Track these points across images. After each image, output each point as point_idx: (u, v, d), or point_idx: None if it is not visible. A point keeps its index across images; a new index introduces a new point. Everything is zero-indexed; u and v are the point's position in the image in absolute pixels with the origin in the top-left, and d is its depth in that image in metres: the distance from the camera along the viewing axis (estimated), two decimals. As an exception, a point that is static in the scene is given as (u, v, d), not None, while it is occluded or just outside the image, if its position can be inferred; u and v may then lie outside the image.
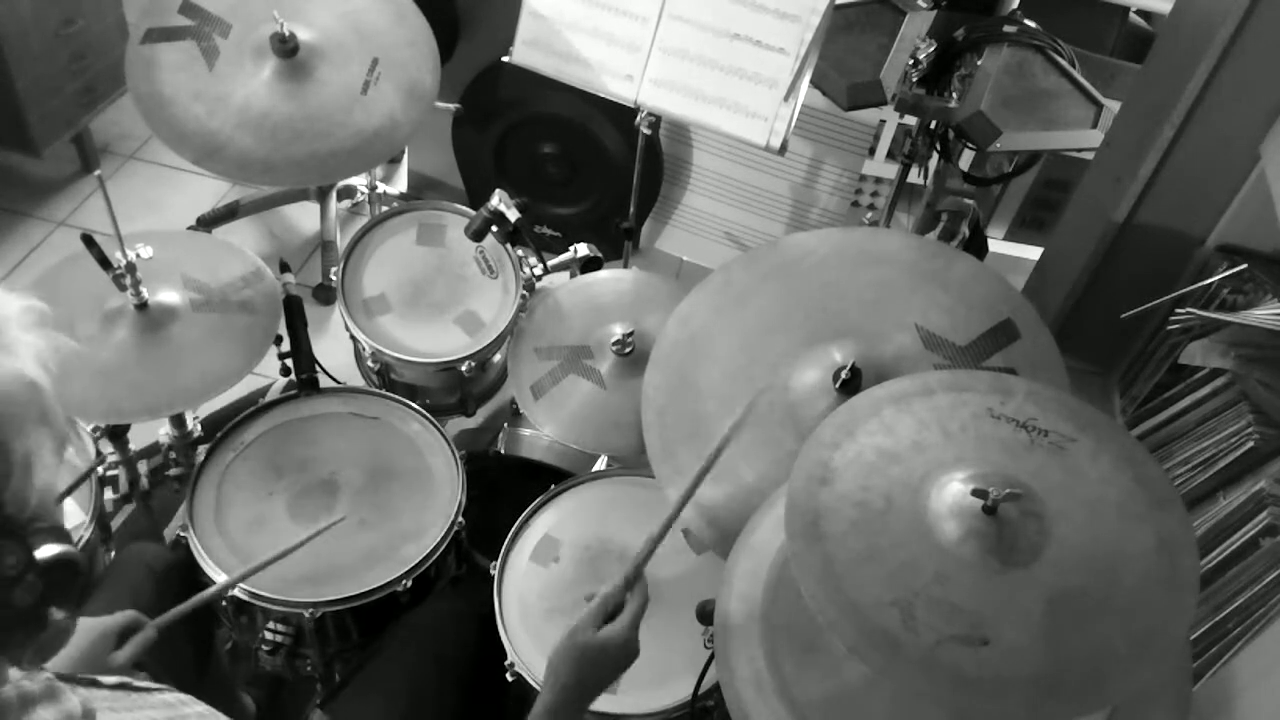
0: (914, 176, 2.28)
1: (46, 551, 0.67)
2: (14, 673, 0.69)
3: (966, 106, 1.97)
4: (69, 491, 0.73)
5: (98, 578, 1.46)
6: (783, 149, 1.78)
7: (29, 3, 2.41)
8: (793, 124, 1.76)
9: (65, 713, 0.69)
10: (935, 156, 2.25)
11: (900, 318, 1.33)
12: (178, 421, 1.73)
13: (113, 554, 1.61)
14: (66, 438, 0.71)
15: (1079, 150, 2.22)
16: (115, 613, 1.14)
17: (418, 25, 1.83)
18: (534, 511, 1.55)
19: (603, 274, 1.78)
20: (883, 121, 2.56)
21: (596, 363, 1.64)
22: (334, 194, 2.73)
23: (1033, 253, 2.59)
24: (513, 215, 1.67)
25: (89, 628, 1.11)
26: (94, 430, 1.59)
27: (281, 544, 1.30)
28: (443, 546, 1.50)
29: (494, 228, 1.68)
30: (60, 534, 0.69)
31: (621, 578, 1.06)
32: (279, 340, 1.65)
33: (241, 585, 1.41)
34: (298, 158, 1.70)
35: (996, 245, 2.75)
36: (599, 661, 1.02)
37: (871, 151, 2.60)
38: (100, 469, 1.57)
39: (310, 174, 1.77)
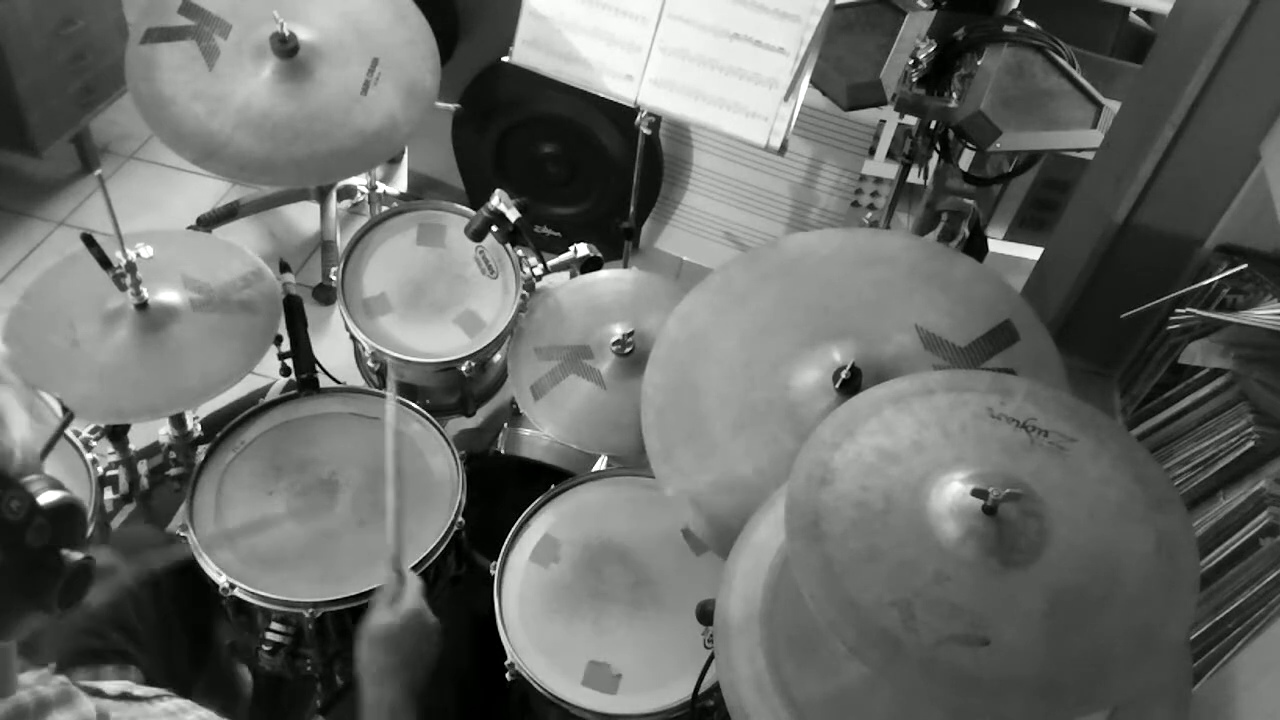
0: (914, 176, 2.28)
1: (48, 497, 0.68)
2: (28, 678, 0.69)
3: (966, 106, 1.97)
4: (49, 447, 0.73)
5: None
6: (783, 149, 1.78)
7: (29, 3, 2.41)
8: (793, 124, 1.76)
9: (81, 715, 0.69)
10: (935, 156, 2.25)
11: (900, 318, 1.33)
12: (178, 421, 1.73)
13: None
14: (30, 398, 0.72)
15: (1079, 150, 2.22)
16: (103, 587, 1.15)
17: (417, 25, 1.82)
18: (534, 511, 1.55)
19: (603, 274, 1.78)
20: (883, 121, 2.56)
21: (596, 363, 1.64)
22: (334, 194, 2.73)
23: (1033, 253, 2.59)
24: (513, 215, 1.67)
25: None
26: (94, 430, 1.59)
27: (282, 544, 1.29)
28: (443, 546, 1.49)
29: (494, 228, 1.68)
30: (55, 483, 0.70)
31: (392, 570, 1.22)
32: (279, 340, 1.65)
33: (241, 585, 1.41)
34: (298, 158, 1.70)
35: (996, 245, 2.75)
36: (398, 636, 1.16)
37: (871, 151, 2.60)
38: (94, 451, 1.57)
39: (310, 174, 1.77)
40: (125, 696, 0.78)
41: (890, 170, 2.55)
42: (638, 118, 1.90)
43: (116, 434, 1.65)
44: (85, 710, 0.70)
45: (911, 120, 2.27)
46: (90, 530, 1.47)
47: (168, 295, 1.56)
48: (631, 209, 2.14)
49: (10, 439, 0.67)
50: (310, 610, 1.41)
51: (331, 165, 1.73)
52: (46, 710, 0.68)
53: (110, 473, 1.64)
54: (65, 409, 1.53)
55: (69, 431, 1.57)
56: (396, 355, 1.73)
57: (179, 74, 1.71)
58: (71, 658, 1.24)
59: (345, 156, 1.73)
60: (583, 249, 1.85)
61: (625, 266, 2.20)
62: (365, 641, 1.16)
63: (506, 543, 1.51)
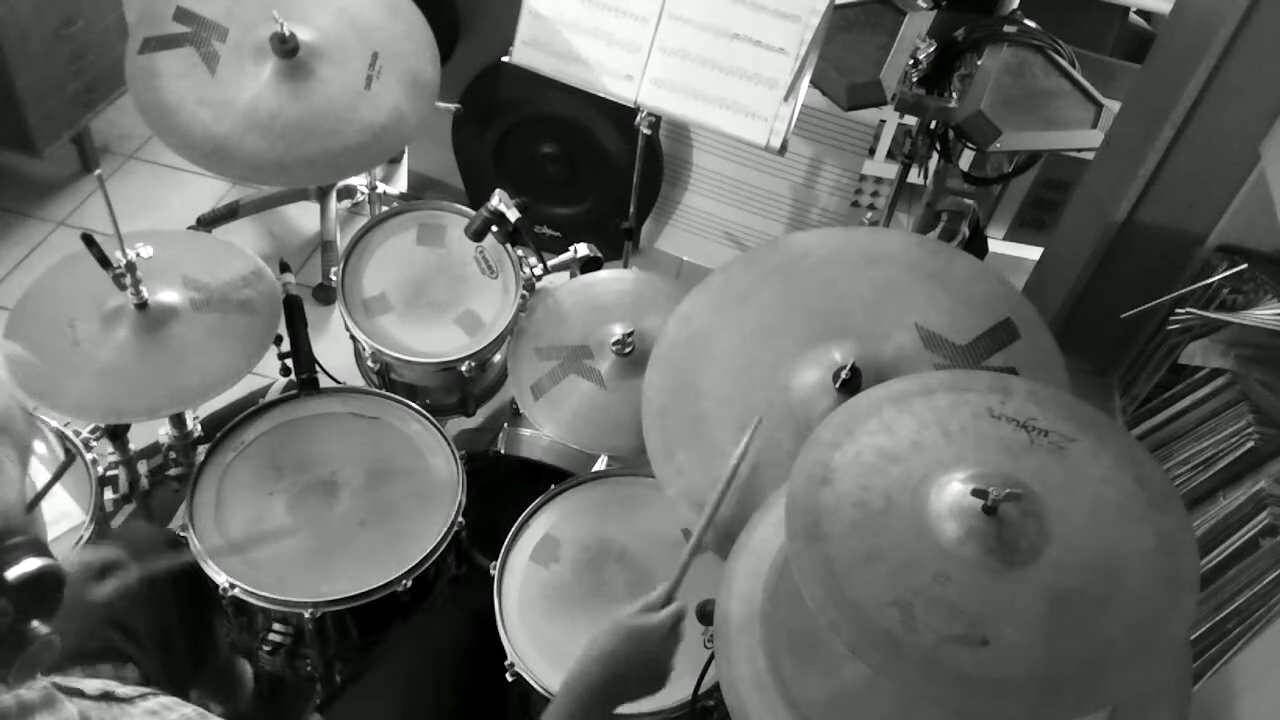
0: (914, 176, 2.28)
1: (23, 569, 0.66)
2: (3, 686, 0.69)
3: (966, 106, 1.97)
4: (40, 497, 0.71)
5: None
6: (783, 149, 1.78)
7: (29, 3, 2.41)
8: (793, 124, 1.76)
9: (62, 719, 0.68)
10: (935, 156, 2.25)
11: (900, 318, 1.33)
12: (178, 421, 1.73)
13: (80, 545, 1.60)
14: (29, 444, 0.70)
15: (1079, 150, 2.22)
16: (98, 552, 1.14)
17: (413, 17, 1.83)
18: (534, 511, 1.55)
19: (603, 274, 1.78)
20: (883, 121, 2.56)
21: (596, 363, 1.64)
22: (334, 194, 2.73)
23: (1033, 253, 2.59)
24: (513, 215, 1.67)
25: (66, 561, 1.10)
26: (94, 430, 1.59)
27: (283, 543, 1.28)
28: (443, 546, 1.49)
29: (494, 228, 1.68)
30: (35, 547, 0.67)
31: (663, 589, 1.14)
32: (279, 340, 1.65)
33: (241, 585, 1.41)
34: (310, 156, 1.71)
35: (996, 245, 2.75)
36: (636, 641, 1.08)
37: (871, 151, 2.60)
38: (94, 451, 1.56)
39: (324, 172, 1.77)
40: (106, 696, 0.77)
41: (890, 170, 2.54)
42: (638, 118, 1.90)
43: (116, 434, 1.65)
44: (67, 713, 0.69)
45: (911, 120, 2.27)
46: (89, 532, 1.47)
47: (167, 295, 1.56)
48: (631, 209, 2.14)
49: None
50: (310, 610, 1.41)
51: (344, 162, 1.73)
52: (28, 713, 0.67)
53: (110, 473, 1.64)
54: (67, 450, 1.53)
55: (69, 431, 1.57)
56: (396, 355, 1.73)
57: (181, 81, 1.71)
58: (68, 657, 1.24)
59: (357, 152, 1.73)
60: (583, 249, 1.85)
61: (625, 266, 2.20)
62: (607, 626, 1.08)
63: (506, 543, 1.51)
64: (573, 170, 2.66)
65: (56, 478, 1.42)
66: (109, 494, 1.64)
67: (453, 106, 2.54)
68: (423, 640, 1.46)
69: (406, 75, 1.78)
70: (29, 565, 0.66)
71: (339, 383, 1.80)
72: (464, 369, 1.74)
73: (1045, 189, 2.70)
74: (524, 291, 1.77)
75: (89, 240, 1.44)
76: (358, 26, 1.80)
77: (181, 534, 1.47)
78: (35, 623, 0.68)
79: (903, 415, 1.07)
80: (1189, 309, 1.72)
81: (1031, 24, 2.12)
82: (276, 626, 1.49)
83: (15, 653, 0.68)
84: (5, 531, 0.66)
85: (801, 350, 1.32)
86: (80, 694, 0.75)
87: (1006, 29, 2.10)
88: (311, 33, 1.76)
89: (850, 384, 1.24)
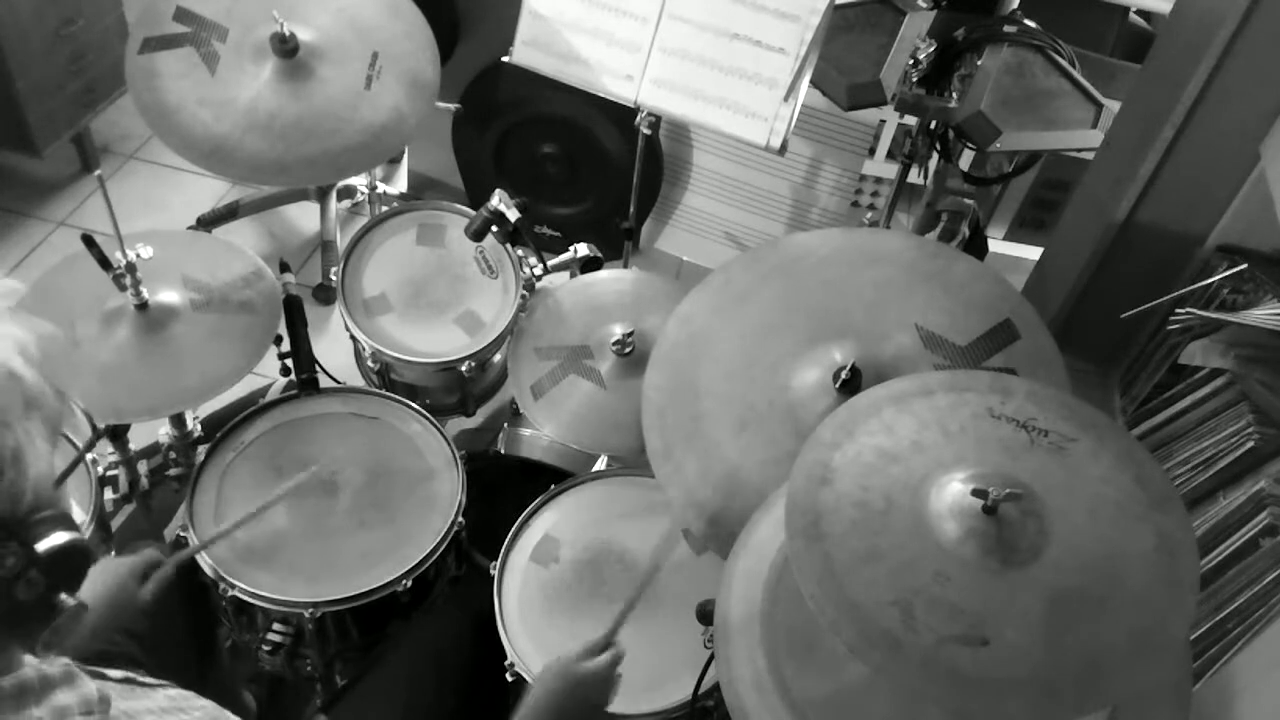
0: (914, 176, 2.28)
1: (52, 541, 0.67)
2: (31, 657, 0.70)
3: (966, 106, 1.97)
4: (67, 474, 0.72)
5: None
6: (783, 149, 1.78)
7: (29, 3, 2.41)
8: (793, 124, 1.76)
9: (83, 696, 0.70)
10: (935, 156, 2.25)
11: (900, 318, 1.33)
12: (178, 421, 1.73)
13: (113, 554, 1.61)
14: (59, 420, 0.71)
15: (1079, 150, 2.22)
16: (136, 557, 1.22)
17: (412, 17, 1.83)
18: (534, 511, 1.55)
19: (603, 274, 1.78)
20: (883, 121, 2.56)
21: (596, 363, 1.64)
22: (334, 194, 2.73)
23: (1033, 253, 2.59)
24: (513, 215, 1.67)
25: (114, 567, 1.18)
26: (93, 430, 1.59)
27: (283, 544, 1.29)
28: (443, 546, 1.50)
29: (494, 228, 1.68)
30: (64, 521, 0.69)
31: (603, 636, 1.20)
32: (279, 340, 1.65)
33: (241, 585, 1.41)
34: (310, 156, 1.71)
35: (996, 245, 2.75)
36: (577, 684, 1.15)
37: (871, 151, 2.60)
38: (95, 451, 1.57)
39: (324, 172, 1.77)
40: (128, 681, 0.78)
41: (890, 170, 2.54)
42: (638, 118, 1.90)
43: (116, 434, 1.65)
44: (86, 691, 0.70)
45: (911, 120, 2.27)
46: (89, 532, 1.47)
47: (168, 295, 1.56)
48: (631, 209, 2.14)
49: (24, 480, 0.66)
50: (310, 610, 1.41)
51: (344, 161, 1.74)
52: (50, 688, 0.68)
53: (110, 473, 1.64)
54: (94, 427, 1.54)
55: (68, 432, 1.57)
56: (396, 355, 1.73)
57: (181, 81, 1.71)
58: (85, 660, 1.25)
59: (357, 152, 1.73)
60: (583, 249, 1.85)
61: (625, 266, 2.20)
62: (550, 669, 1.17)
63: (506, 543, 1.51)
64: (573, 170, 2.66)
65: (83, 454, 1.44)
66: (109, 494, 1.64)
67: (453, 106, 2.54)
68: (423, 640, 1.46)
69: (406, 75, 1.78)
70: (59, 538, 0.68)
71: (339, 383, 1.80)
72: (464, 369, 1.74)
73: (1045, 189, 2.70)
74: (524, 291, 1.77)
75: (89, 241, 1.44)
76: (358, 26, 1.80)
77: (182, 534, 1.47)
78: (63, 594, 0.69)
79: (903, 415, 1.07)
80: (1189, 309, 1.72)
81: (1031, 24, 2.12)
82: (276, 626, 1.49)
83: (43, 624, 0.69)
84: (36, 505, 0.67)
85: (801, 350, 1.32)
86: (103, 676, 0.76)
87: (1006, 29, 2.10)
88: (311, 33, 1.76)
89: (850, 384, 1.24)
